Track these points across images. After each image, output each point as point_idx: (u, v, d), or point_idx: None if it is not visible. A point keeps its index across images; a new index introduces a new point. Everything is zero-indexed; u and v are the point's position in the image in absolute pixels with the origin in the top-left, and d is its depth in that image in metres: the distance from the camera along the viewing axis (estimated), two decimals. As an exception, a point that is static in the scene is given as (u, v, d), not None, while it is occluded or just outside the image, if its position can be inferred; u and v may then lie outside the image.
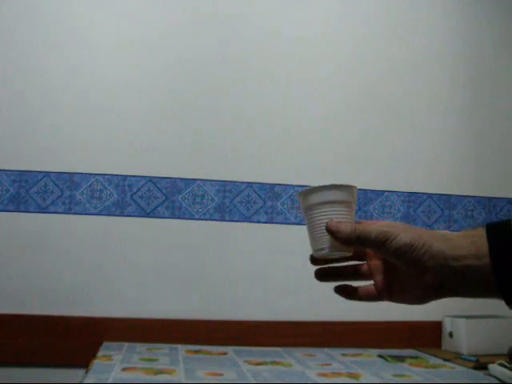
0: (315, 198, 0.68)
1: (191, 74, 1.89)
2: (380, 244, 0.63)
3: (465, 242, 0.61)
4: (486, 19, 2.11)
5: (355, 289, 0.71)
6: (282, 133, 1.91)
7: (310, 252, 0.70)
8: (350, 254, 0.70)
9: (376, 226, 0.65)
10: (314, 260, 0.71)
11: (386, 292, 0.69)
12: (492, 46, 2.11)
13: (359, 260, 0.72)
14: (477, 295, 0.63)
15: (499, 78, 2.10)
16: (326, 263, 0.71)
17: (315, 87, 1.95)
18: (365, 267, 0.71)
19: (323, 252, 0.68)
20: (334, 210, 0.67)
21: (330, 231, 0.66)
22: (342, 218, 0.67)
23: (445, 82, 2.06)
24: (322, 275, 0.71)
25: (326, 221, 0.67)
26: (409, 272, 0.64)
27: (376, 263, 0.70)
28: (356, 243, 0.65)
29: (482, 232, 0.61)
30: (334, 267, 0.71)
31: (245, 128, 1.90)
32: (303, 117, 1.93)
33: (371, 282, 0.71)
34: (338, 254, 0.69)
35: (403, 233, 0.63)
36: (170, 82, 1.88)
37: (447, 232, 0.65)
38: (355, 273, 0.72)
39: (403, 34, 2.05)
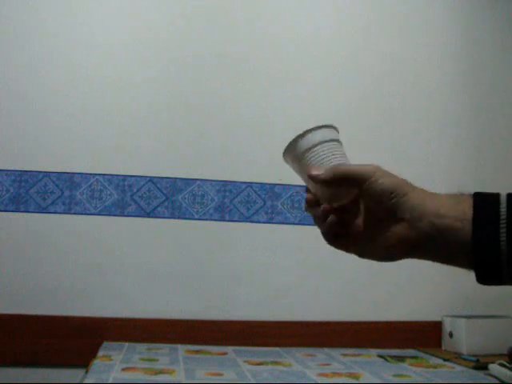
0: (305, 143, 0.67)
1: (191, 74, 1.89)
2: (361, 182, 0.62)
3: (450, 201, 0.59)
4: (486, 19, 2.11)
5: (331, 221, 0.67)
6: (282, 133, 1.90)
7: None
8: (346, 200, 0.67)
9: (361, 165, 0.63)
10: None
11: (356, 240, 0.66)
12: (492, 46, 2.11)
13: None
14: (447, 259, 0.60)
15: (500, 77, 2.10)
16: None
17: (315, 87, 1.95)
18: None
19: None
20: (328, 149, 0.66)
21: (311, 176, 0.65)
22: (338, 157, 0.66)
23: (445, 81, 2.06)
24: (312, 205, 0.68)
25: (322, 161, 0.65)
26: (384, 219, 0.62)
27: (351, 208, 0.67)
28: (339, 183, 0.64)
29: (468, 198, 0.59)
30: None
31: (245, 128, 1.90)
32: (303, 117, 1.92)
33: None
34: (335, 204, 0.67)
35: (387, 177, 0.61)
36: (170, 82, 1.88)
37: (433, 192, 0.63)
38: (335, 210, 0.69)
39: (403, 34, 2.05)
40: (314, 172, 0.65)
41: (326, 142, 0.67)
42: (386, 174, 0.62)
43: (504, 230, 0.55)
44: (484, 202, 0.58)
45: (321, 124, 0.68)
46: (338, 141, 0.69)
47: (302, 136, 0.67)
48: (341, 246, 0.68)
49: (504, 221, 0.55)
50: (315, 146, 0.66)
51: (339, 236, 0.67)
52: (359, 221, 0.66)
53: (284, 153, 0.69)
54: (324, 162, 0.66)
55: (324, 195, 0.66)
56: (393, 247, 0.62)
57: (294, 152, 0.67)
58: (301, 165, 0.68)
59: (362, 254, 0.67)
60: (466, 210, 0.57)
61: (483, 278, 0.57)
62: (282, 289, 1.85)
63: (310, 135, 0.67)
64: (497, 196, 0.58)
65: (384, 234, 0.63)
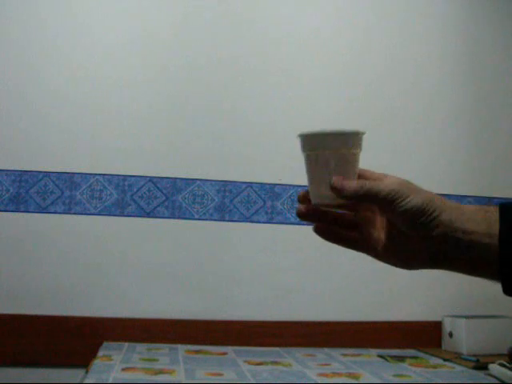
0: (322, 142, 0.63)
1: (191, 74, 1.89)
2: (388, 204, 0.59)
3: (477, 216, 0.58)
4: (486, 19, 2.11)
5: (341, 232, 0.67)
6: (282, 133, 1.91)
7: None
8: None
9: (386, 183, 0.60)
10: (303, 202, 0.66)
11: (375, 248, 0.64)
12: (492, 46, 2.11)
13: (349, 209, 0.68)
14: (474, 273, 0.60)
15: (500, 77, 2.10)
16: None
17: (315, 87, 1.95)
18: (349, 216, 0.67)
19: (325, 202, 0.64)
20: (341, 157, 0.63)
21: (335, 189, 0.61)
22: (349, 169, 0.63)
23: (445, 81, 2.06)
24: (304, 214, 0.67)
25: (332, 167, 0.62)
26: (410, 234, 0.61)
27: (368, 215, 0.65)
28: (362, 200, 0.61)
29: (495, 210, 0.58)
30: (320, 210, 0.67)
31: (245, 128, 1.90)
32: (303, 117, 1.92)
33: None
34: (339, 209, 0.65)
35: (414, 194, 0.59)
36: (170, 82, 1.88)
37: (459, 203, 0.62)
38: (338, 220, 0.67)
39: (403, 34, 2.05)
40: (344, 182, 0.61)
41: (357, 149, 0.64)
42: (412, 191, 0.59)
43: None
44: (510, 214, 0.57)
45: (358, 130, 0.64)
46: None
47: (342, 133, 0.63)
48: (346, 244, 0.67)
49: None
50: (349, 148, 0.63)
51: (346, 237, 0.66)
52: (372, 231, 0.65)
53: (308, 138, 0.65)
54: (348, 171, 0.63)
55: (333, 200, 0.63)
56: (415, 261, 0.62)
57: (325, 143, 0.63)
58: (320, 157, 0.63)
59: (379, 258, 0.65)
60: (493, 223, 0.57)
61: (510, 292, 0.58)
62: (281, 289, 1.85)
63: (352, 135, 0.64)
64: None
65: (405, 248, 0.62)
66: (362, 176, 0.64)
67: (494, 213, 0.58)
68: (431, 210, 0.58)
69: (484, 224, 0.58)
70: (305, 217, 0.66)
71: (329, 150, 0.63)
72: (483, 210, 0.59)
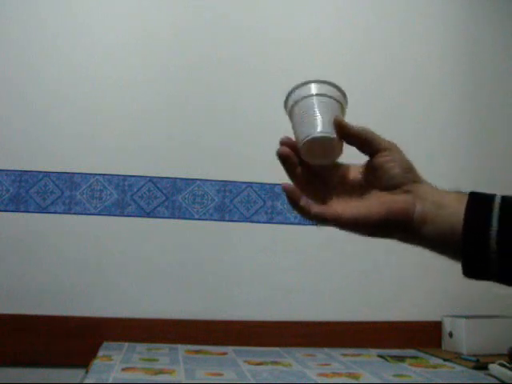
0: (313, 90, 0.66)
1: (191, 74, 1.89)
2: (377, 150, 0.64)
3: (450, 195, 0.61)
4: (486, 19, 2.11)
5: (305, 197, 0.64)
6: (282, 133, 1.90)
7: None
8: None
9: (387, 143, 0.67)
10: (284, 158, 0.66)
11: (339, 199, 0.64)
12: (492, 46, 2.11)
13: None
14: (437, 245, 0.60)
15: (500, 77, 2.10)
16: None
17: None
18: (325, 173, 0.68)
19: (320, 134, 0.63)
20: (332, 104, 0.65)
21: (340, 125, 0.63)
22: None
23: (445, 81, 2.06)
24: (287, 154, 0.66)
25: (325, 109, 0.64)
26: (382, 187, 0.62)
27: (342, 174, 0.68)
28: (362, 145, 0.65)
29: (465, 195, 0.61)
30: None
31: (245, 128, 1.90)
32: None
33: None
34: (327, 161, 0.66)
35: (403, 155, 0.65)
36: (170, 82, 1.88)
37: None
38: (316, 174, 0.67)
39: (403, 34, 2.05)
40: (344, 122, 0.63)
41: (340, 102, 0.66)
42: (408, 168, 0.65)
43: (495, 228, 0.56)
44: (479, 199, 0.60)
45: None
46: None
47: (331, 84, 0.66)
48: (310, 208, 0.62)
49: (496, 225, 0.56)
50: (327, 95, 0.65)
51: (314, 193, 0.65)
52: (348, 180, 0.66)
53: (291, 93, 0.69)
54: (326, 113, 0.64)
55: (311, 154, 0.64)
56: (385, 216, 0.60)
57: (301, 93, 0.66)
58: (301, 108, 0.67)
59: (340, 221, 0.61)
60: (464, 202, 0.59)
61: (470, 273, 0.58)
62: (281, 289, 1.85)
63: (323, 84, 0.66)
64: (492, 195, 0.60)
65: (379, 200, 0.61)
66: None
67: (464, 196, 0.60)
68: (416, 173, 0.64)
69: (455, 202, 0.60)
70: (286, 158, 0.66)
71: (332, 97, 0.66)
72: (455, 192, 0.62)
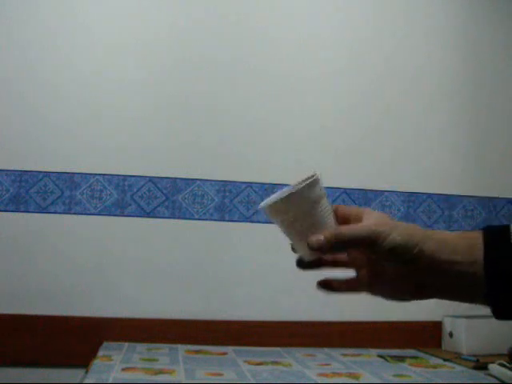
0: (282, 209, 0.62)
1: (191, 75, 1.89)
2: (370, 245, 0.59)
3: (461, 244, 0.58)
4: (486, 19, 2.11)
5: (338, 283, 0.68)
6: (282, 133, 1.91)
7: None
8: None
9: (364, 223, 0.60)
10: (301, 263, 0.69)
11: (367, 285, 0.65)
12: (492, 45, 2.11)
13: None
14: (464, 300, 0.60)
15: (500, 77, 2.10)
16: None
17: (315, 87, 1.95)
18: (343, 257, 0.68)
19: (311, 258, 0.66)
20: (305, 214, 0.61)
21: (312, 249, 0.61)
22: (326, 217, 0.61)
23: (445, 81, 2.06)
24: (303, 264, 0.69)
25: (299, 228, 0.62)
26: (396, 270, 0.61)
27: (358, 256, 0.66)
28: (341, 249, 0.63)
29: (479, 235, 0.58)
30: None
31: (245, 128, 1.90)
32: (303, 117, 1.93)
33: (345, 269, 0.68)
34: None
35: (395, 232, 0.58)
36: (170, 82, 1.87)
37: (442, 231, 0.61)
38: (333, 262, 0.69)
39: (403, 34, 2.05)
40: (315, 238, 0.60)
41: (318, 196, 0.61)
42: (391, 228, 0.59)
43: None
44: (494, 239, 0.57)
45: (302, 179, 0.61)
46: (323, 195, 0.62)
47: (302, 189, 0.60)
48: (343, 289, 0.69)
49: None
50: (313, 202, 0.60)
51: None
52: (362, 271, 0.66)
53: (272, 205, 0.64)
54: (319, 222, 0.61)
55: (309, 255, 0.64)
56: (406, 293, 0.62)
57: (286, 207, 0.62)
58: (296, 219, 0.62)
59: (374, 294, 0.66)
60: (477, 251, 0.57)
61: (501, 316, 0.57)
62: (282, 289, 1.85)
63: (306, 188, 0.60)
64: (507, 229, 0.57)
65: (394, 282, 0.62)
66: (340, 215, 0.64)
67: (476, 238, 0.58)
68: (412, 245, 0.58)
69: (467, 252, 0.57)
70: (306, 266, 0.70)
71: (291, 211, 0.61)
72: (467, 237, 0.59)
